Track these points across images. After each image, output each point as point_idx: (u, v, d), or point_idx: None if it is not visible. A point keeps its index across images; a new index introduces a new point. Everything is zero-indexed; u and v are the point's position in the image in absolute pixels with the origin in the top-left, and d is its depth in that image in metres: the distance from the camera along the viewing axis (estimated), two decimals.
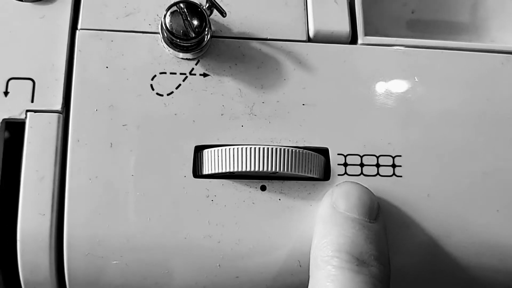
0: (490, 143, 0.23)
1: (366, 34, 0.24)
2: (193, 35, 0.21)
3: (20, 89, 0.21)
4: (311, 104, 0.22)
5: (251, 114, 0.22)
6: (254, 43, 0.23)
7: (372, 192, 0.21)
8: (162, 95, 0.22)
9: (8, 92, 0.21)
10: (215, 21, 0.23)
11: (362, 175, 0.22)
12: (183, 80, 0.22)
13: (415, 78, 0.23)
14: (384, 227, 0.21)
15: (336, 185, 0.21)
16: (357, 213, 0.20)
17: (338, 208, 0.20)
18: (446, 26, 0.30)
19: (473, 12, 0.30)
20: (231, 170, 0.20)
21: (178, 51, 0.22)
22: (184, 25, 0.21)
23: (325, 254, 0.19)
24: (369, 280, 0.19)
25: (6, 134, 0.22)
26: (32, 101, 0.21)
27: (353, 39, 0.24)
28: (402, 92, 0.23)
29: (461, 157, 0.23)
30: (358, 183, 0.21)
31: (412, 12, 0.30)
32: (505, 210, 0.23)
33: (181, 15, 0.21)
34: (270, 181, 0.22)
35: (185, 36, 0.21)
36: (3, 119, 0.21)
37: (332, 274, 0.19)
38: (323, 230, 0.20)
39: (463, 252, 0.22)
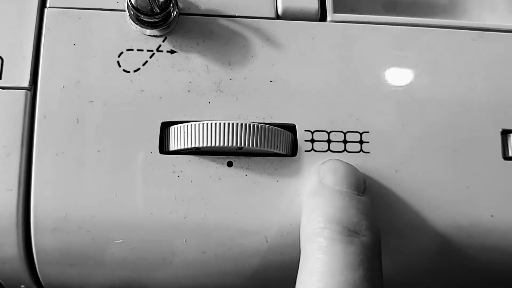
0: (460, 119, 0.23)
1: (336, 11, 0.24)
2: (158, 10, 0.21)
3: None
4: (279, 81, 0.22)
5: (218, 91, 0.22)
6: (222, 20, 0.23)
7: (357, 168, 0.21)
8: (128, 72, 0.22)
9: None
10: None
11: (329, 151, 0.22)
12: (150, 57, 0.22)
13: (386, 54, 0.23)
14: (372, 201, 0.21)
15: (322, 162, 0.21)
16: (346, 186, 0.20)
17: (326, 183, 0.20)
18: (424, 7, 0.29)
19: None
20: (197, 145, 0.20)
21: (145, 28, 0.22)
22: (149, 1, 0.21)
23: (316, 226, 0.19)
24: (361, 250, 0.18)
25: None
26: (0, 78, 0.21)
27: (322, 16, 0.24)
28: (371, 69, 0.23)
29: (430, 134, 0.23)
30: (343, 160, 0.21)
31: None
32: (475, 187, 0.23)
33: None
34: (236, 157, 0.22)
35: (151, 12, 0.21)
36: None
37: (323, 246, 0.18)
38: (312, 204, 0.20)
39: (432, 229, 0.22)
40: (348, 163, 0.21)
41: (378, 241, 0.20)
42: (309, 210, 0.20)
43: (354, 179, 0.21)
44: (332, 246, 0.18)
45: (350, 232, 0.19)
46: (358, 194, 0.20)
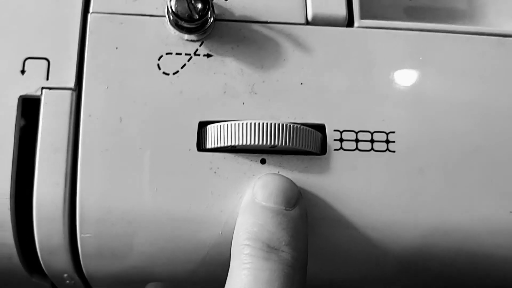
0: (482, 120, 0.24)
1: (362, 17, 0.25)
2: (197, 17, 0.22)
3: (36, 68, 0.23)
4: (309, 83, 0.24)
5: (252, 93, 0.23)
6: (255, 26, 0.24)
7: (292, 182, 0.22)
8: (168, 74, 0.23)
9: (25, 71, 0.22)
10: (218, 4, 0.24)
11: (357, 150, 0.23)
12: (188, 60, 0.23)
13: (409, 59, 0.24)
14: (303, 214, 0.21)
15: (258, 177, 0.22)
16: (273, 202, 0.21)
17: (256, 199, 0.21)
18: (444, 13, 0.31)
19: None
20: (233, 144, 0.22)
21: (183, 33, 0.23)
22: (189, 8, 0.22)
23: (240, 243, 0.20)
24: (278, 266, 0.19)
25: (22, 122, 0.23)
26: (47, 79, 0.22)
27: (349, 23, 0.25)
28: (396, 72, 0.24)
29: (453, 134, 0.24)
30: (279, 174, 0.22)
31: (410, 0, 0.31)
32: (497, 185, 0.24)
33: None
34: (269, 155, 0.23)
35: (190, 18, 0.22)
36: (20, 96, 0.22)
37: (245, 263, 0.19)
38: (240, 220, 0.21)
39: (456, 225, 0.23)
40: (282, 177, 0.22)
41: (299, 256, 0.20)
42: (237, 226, 0.21)
43: (283, 194, 0.21)
44: (252, 263, 0.19)
45: (269, 249, 0.19)
46: (285, 209, 0.21)
